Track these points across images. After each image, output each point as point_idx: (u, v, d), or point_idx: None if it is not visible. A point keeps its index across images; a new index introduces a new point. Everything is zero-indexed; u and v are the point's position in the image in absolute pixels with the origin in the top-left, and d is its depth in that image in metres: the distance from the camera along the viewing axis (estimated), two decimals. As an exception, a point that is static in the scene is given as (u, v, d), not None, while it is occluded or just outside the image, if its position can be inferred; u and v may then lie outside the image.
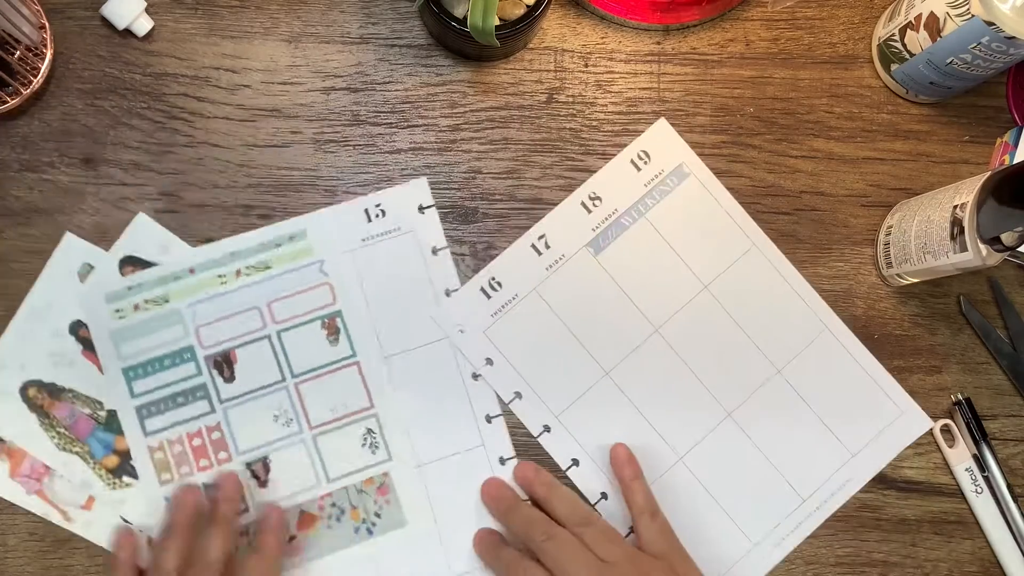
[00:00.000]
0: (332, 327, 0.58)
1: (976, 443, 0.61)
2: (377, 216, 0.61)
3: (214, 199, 0.60)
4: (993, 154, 0.65)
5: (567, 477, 0.60)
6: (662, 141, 0.63)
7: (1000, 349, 0.62)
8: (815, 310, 0.62)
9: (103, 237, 0.59)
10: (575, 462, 0.60)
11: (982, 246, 0.52)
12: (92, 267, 0.57)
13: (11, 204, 0.59)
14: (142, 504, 0.56)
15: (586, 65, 0.63)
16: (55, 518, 0.55)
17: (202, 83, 0.61)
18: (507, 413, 0.60)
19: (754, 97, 0.64)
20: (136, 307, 0.57)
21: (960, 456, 0.61)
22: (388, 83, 0.62)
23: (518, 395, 0.60)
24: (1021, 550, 0.60)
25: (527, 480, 0.58)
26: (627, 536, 0.58)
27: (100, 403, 0.56)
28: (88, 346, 0.57)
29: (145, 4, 0.60)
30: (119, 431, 0.56)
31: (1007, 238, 0.51)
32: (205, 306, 0.57)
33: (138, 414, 0.56)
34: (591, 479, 0.60)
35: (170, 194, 0.60)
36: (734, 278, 0.62)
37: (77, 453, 0.56)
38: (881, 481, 0.61)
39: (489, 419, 0.60)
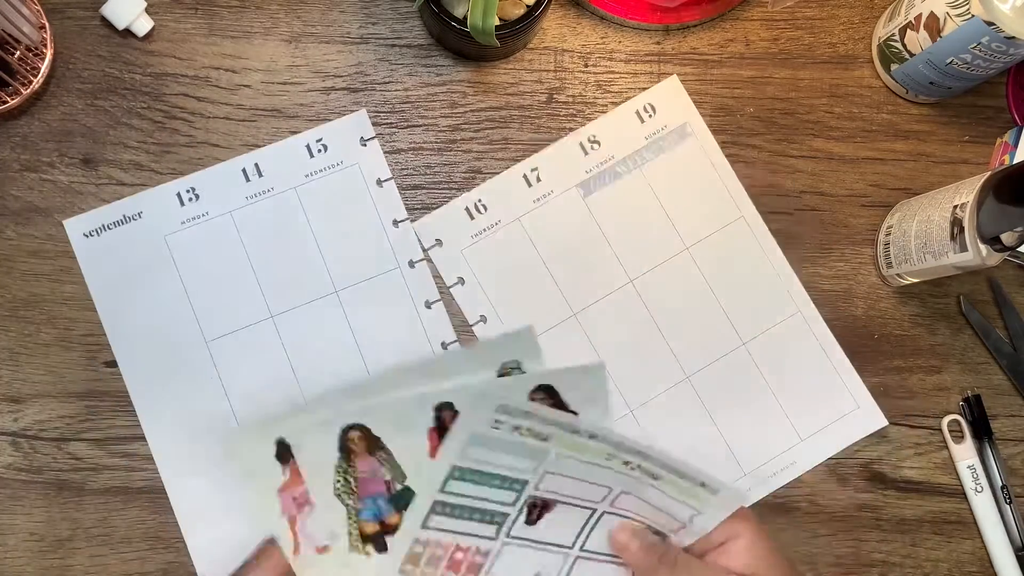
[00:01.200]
0: None
1: (980, 441, 0.61)
2: (319, 151, 0.61)
3: (214, 199, 0.60)
4: (993, 154, 0.65)
5: None
6: (671, 98, 0.63)
7: (1000, 349, 0.62)
8: (791, 292, 0.62)
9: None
10: None
11: (982, 246, 0.52)
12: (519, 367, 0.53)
13: (11, 204, 0.59)
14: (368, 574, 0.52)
15: (586, 65, 0.63)
16: (285, 544, 0.53)
17: (202, 83, 0.61)
18: (463, 340, 0.60)
19: (754, 97, 0.64)
20: (515, 429, 0.51)
21: (964, 453, 0.61)
22: (388, 83, 0.62)
23: (483, 319, 0.60)
24: (1014, 549, 0.60)
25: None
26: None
27: (405, 476, 0.52)
28: (439, 428, 0.52)
29: (145, 4, 0.60)
30: (399, 508, 0.52)
31: (1007, 238, 0.51)
32: (571, 462, 0.51)
33: (432, 507, 0.52)
34: None
35: (170, 194, 0.60)
36: (717, 245, 0.62)
37: (347, 505, 0.53)
38: (881, 481, 0.61)
39: (445, 346, 0.60)
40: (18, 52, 0.58)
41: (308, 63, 0.62)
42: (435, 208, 0.61)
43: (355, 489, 0.52)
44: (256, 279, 0.60)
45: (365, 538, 0.52)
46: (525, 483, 0.51)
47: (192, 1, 0.62)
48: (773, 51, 0.65)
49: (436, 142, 0.62)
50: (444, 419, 0.51)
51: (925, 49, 0.59)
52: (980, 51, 0.56)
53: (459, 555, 0.52)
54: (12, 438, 0.58)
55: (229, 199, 0.60)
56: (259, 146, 0.61)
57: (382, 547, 0.52)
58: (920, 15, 0.58)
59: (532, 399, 0.52)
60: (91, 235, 0.59)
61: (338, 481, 0.52)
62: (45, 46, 0.59)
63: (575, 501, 0.51)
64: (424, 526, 0.51)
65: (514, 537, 0.52)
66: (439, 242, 0.61)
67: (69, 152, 0.60)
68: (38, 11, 0.59)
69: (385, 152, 0.62)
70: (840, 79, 0.65)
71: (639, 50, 0.64)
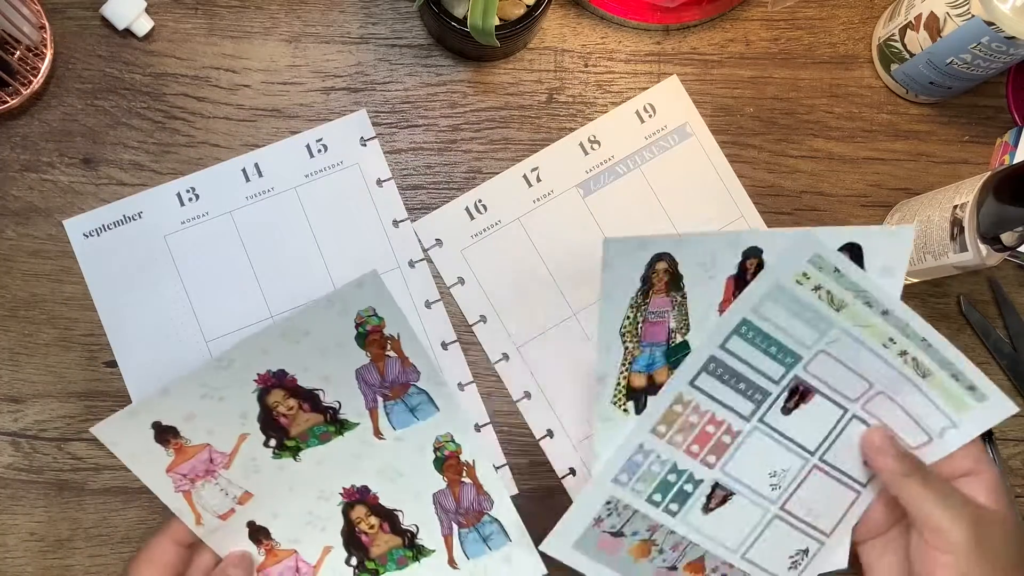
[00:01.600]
0: None
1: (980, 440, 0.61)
2: (319, 151, 0.61)
3: (214, 199, 0.60)
4: (993, 154, 0.65)
5: (516, 407, 0.60)
6: (671, 98, 0.64)
7: (1000, 349, 0.62)
8: None
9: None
10: (527, 394, 0.60)
11: (982, 246, 0.52)
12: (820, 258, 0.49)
13: (11, 204, 0.59)
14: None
15: (586, 65, 0.63)
16: (187, 518, 0.54)
17: (202, 83, 0.61)
18: (462, 341, 0.60)
19: (754, 97, 0.64)
20: (817, 289, 0.49)
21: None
22: (388, 83, 0.62)
23: (483, 319, 0.60)
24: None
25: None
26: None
27: (688, 328, 0.50)
28: (739, 277, 0.50)
29: (145, 4, 0.60)
30: (671, 364, 0.50)
31: (1007, 238, 0.51)
32: (848, 342, 0.50)
33: (705, 364, 0.50)
34: (541, 413, 0.60)
35: (170, 194, 0.60)
36: None
37: (626, 347, 0.50)
38: (881, 481, 0.61)
39: (445, 346, 0.60)
40: (18, 52, 0.58)
41: (308, 63, 0.62)
42: (435, 208, 0.61)
43: (639, 332, 0.50)
44: (256, 279, 0.60)
45: (629, 392, 0.51)
46: (798, 359, 0.50)
47: (192, 1, 0.62)
48: (773, 51, 0.65)
49: (436, 142, 0.62)
50: (747, 268, 0.50)
51: (925, 49, 0.59)
52: (980, 51, 0.56)
53: (710, 428, 0.51)
54: (12, 438, 0.58)
55: (229, 199, 0.60)
56: (259, 146, 0.61)
57: (641, 407, 0.51)
58: (920, 15, 0.58)
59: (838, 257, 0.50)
60: (91, 235, 0.59)
61: (627, 318, 0.50)
62: (45, 46, 0.59)
63: (833, 394, 0.51)
64: (692, 383, 0.50)
65: (766, 424, 0.51)
66: (439, 242, 0.61)
67: (69, 152, 0.60)
68: (38, 11, 0.59)
69: (385, 152, 0.62)
70: (840, 79, 0.65)
71: (639, 50, 0.64)
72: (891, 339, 0.49)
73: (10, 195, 0.59)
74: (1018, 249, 0.52)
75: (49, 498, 0.58)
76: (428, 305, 0.60)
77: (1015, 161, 0.62)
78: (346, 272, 0.60)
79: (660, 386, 0.50)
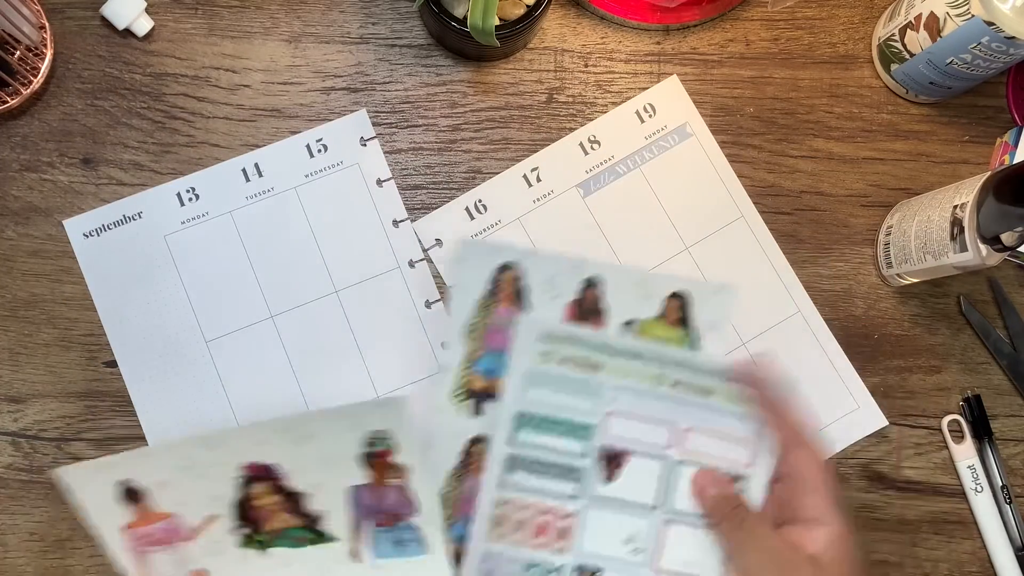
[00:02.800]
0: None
1: (980, 440, 0.61)
2: (319, 151, 0.61)
3: (214, 199, 0.60)
4: (993, 154, 0.65)
5: None
6: (671, 98, 0.64)
7: (1000, 349, 0.62)
8: (791, 292, 0.62)
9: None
10: None
11: (982, 246, 0.52)
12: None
13: (11, 204, 0.59)
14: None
15: (586, 65, 0.63)
16: None
17: (202, 83, 0.61)
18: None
19: (754, 97, 0.64)
20: (563, 361, 0.50)
21: (964, 453, 0.61)
22: (388, 83, 0.62)
23: None
24: (1014, 549, 0.60)
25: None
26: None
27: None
28: (580, 305, 0.52)
29: (145, 4, 0.60)
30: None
31: (1007, 238, 0.51)
32: (627, 397, 0.50)
33: (506, 464, 0.51)
34: None
35: (170, 194, 0.60)
36: (717, 245, 0.62)
37: (468, 348, 0.52)
38: (881, 481, 0.61)
39: (445, 346, 0.59)
40: (18, 52, 0.58)
41: (308, 63, 0.62)
42: (435, 208, 0.61)
43: (483, 336, 0.51)
44: (256, 279, 0.60)
45: (470, 392, 0.51)
46: (591, 428, 0.50)
47: (192, 1, 0.62)
48: (773, 51, 0.65)
49: (436, 142, 0.62)
50: (587, 297, 0.52)
51: (925, 49, 0.59)
52: (980, 51, 0.56)
53: (543, 518, 0.51)
54: (12, 438, 0.58)
55: (229, 199, 0.60)
56: (259, 146, 0.61)
57: (479, 410, 0.51)
58: (920, 15, 0.58)
59: (667, 304, 0.52)
60: (91, 235, 0.59)
61: (474, 318, 0.51)
62: (45, 46, 0.59)
63: (644, 448, 0.51)
64: (502, 486, 0.50)
65: (597, 497, 0.51)
66: (439, 242, 0.61)
67: (69, 152, 0.60)
68: (38, 11, 0.59)
69: (385, 152, 0.62)
70: (840, 79, 0.65)
71: (639, 50, 0.64)
72: (658, 376, 0.50)
73: (10, 195, 0.59)
74: (1018, 249, 0.52)
75: (49, 498, 0.58)
76: (428, 305, 0.60)
77: (1015, 161, 0.61)
78: (346, 272, 0.60)
79: (489, 394, 0.51)
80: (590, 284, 0.52)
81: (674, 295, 0.52)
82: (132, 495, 0.50)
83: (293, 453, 0.49)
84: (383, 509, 0.51)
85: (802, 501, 0.47)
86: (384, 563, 0.51)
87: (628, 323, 0.52)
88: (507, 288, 0.51)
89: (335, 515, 0.50)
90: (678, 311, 0.53)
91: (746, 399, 0.50)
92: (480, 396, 0.51)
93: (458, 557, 0.50)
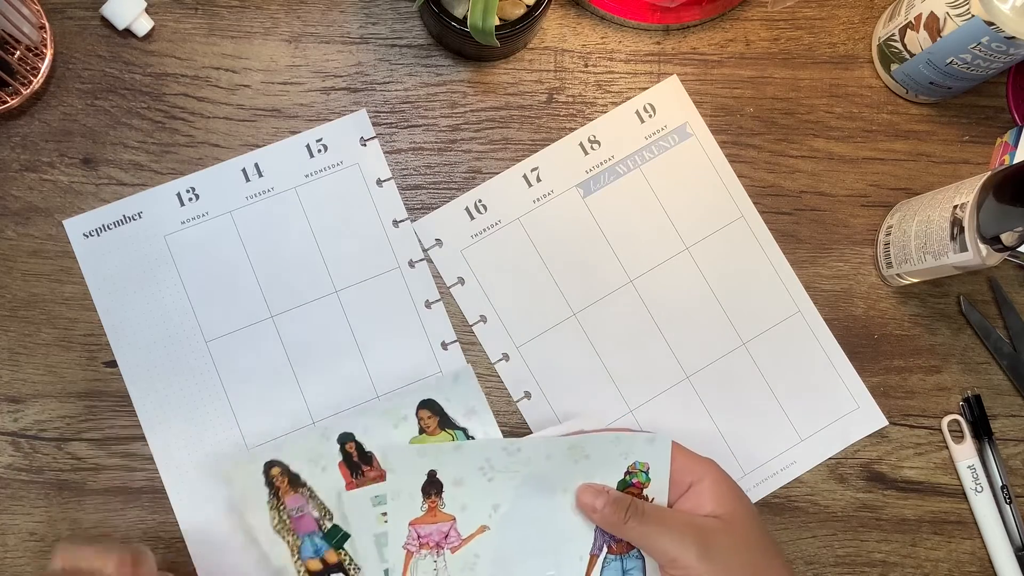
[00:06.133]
0: None
1: (980, 441, 0.61)
2: (319, 151, 0.61)
3: (214, 199, 0.60)
4: (993, 154, 0.65)
5: (516, 407, 0.60)
6: (670, 98, 0.64)
7: (1000, 349, 0.62)
8: (791, 292, 0.62)
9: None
10: (527, 394, 0.60)
11: (982, 246, 0.52)
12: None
13: (11, 204, 0.59)
14: None
15: (586, 65, 0.63)
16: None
17: (202, 83, 0.61)
18: (462, 340, 0.60)
19: (754, 97, 0.64)
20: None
21: (964, 453, 0.61)
22: (388, 83, 0.62)
23: (483, 319, 0.60)
24: (1014, 549, 0.60)
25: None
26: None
27: (331, 514, 0.56)
28: (347, 461, 0.57)
29: (145, 4, 0.60)
30: (336, 547, 0.55)
31: (1007, 238, 0.51)
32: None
33: (376, 541, 0.55)
34: (541, 413, 0.60)
35: (170, 194, 0.60)
36: (717, 245, 0.62)
37: (287, 542, 0.56)
38: (881, 481, 0.61)
39: (445, 346, 0.60)
40: (18, 52, 0.58)
41: (308, 63, 0.62)
42: (435, 208, 0.61)
43: (291, 526, 0.56)
44: (256, 279, 0.60)
45: (312, 575, 0.55)
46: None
47: (192, 1, 0.62)
48: (773, 51, 0.65)
49: (436, 142, 0.62)
50: (349, 451, 0.57)
51: (925, 49, 0.59)
52: (980, 51, 0.56)
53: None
54: (12, 438, 0.58)
55: (229, 199, 0.60)
56: (259, 146, 0.61)
57: None
58: (920, 15, 0.58)
59: (420, 416, 0.57)
60: (91, 235, 0.59)
61: (274, 518, 0.56)
62: (45, 46, 0.59)
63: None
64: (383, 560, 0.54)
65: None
66: (439, 242, 0.61)
67: (69, 152, 0.60)
68: (38, 11, 0.59)
69: (385, 152, 0.62)
70: (840, 79, 0.65)
71: (639, 50, 0.64)
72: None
73: (10, 195, 0.59)
74: (1018, 249, 0.52)
75: (49, 498, 0.58)
76: (428, 305, 0.60)
77: (1015, 161, 0.61)
78: (346, 272, 0.60)
79: (335, 565, 0.55)
80: (343, 440, 0.57)
81: (421, 406, 0.57)
82: (433, 487, 0.53)
83: (571, 471, 0.52)
84: (620, 538, 0.53)
85: (673, 476, 0.52)
86: None
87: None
88: (281, 481, 0.56)
89: (578, 536, 0.53)
90: (431, 419, 0.58)
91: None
92: (327, 572, 0.55)
93: None
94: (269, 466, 0.56)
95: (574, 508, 0.53)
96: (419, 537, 0.53)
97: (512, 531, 0.53)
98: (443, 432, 0.58)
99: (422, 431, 0.57)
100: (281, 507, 0.56)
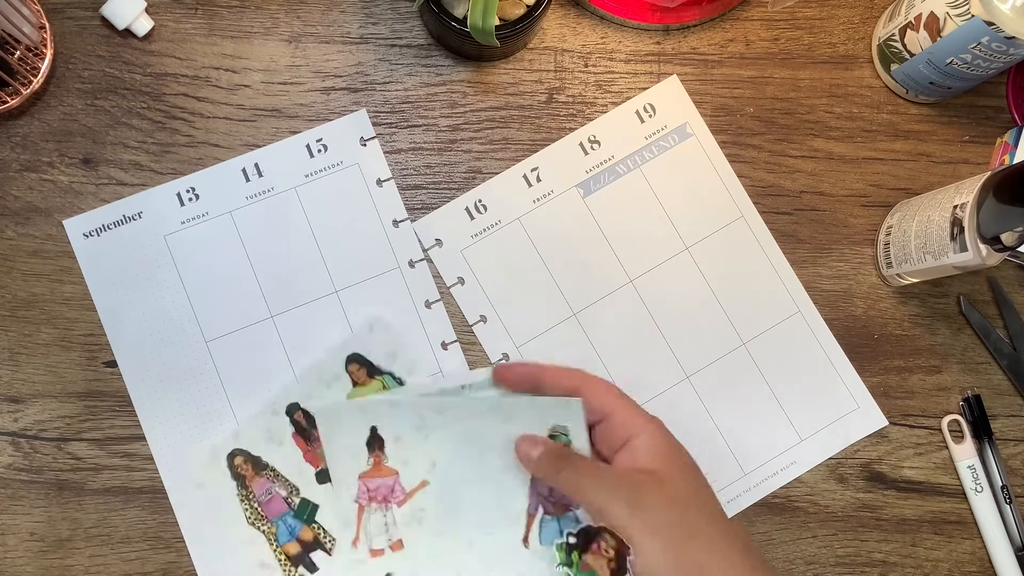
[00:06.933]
0: None
1: (980, 440, 0.61)
2: (319, 151, 0.61)
3: (214, 199, 0.60)
4: (993, 154, 0.65)
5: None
6: (671, 98, 0.64)
7: (1000, 349, 0.62)
8: (791, 292, 0.62)
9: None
10: None
11: (982, 246, 0.52)
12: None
13: (11, 204, 0.59)
14: None
15: (586, 65, 0.63)
16: (347, 537, 0.56)
17: (202, 83, 0.61)
18: (462, 340, 0.60)
19: (754, 97, 0.64)
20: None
21: (964, 453, 0.61)
22: (388, 83, 0.62)
23: (483, 319, 0.60)
24: (1014, 549, 0.60)
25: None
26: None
27: (297, 489, 0.57)
28: (299, 430, 0.58)
29: (145, 4, 0.60)
30: (307, 521, 0.56)
31: (1007, 238, 0.51)
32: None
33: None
34: None
35: (170, 194, 0.60)
36: (717, 245, 0.62)
37: (263, 532, 0.56)
38: (881, 481, 0.61)
39: (445, 346, 0.60)
40: (18, 52, 0.58)
41: (308, 63, 0.62)
42: (435, 208, 0.61)
43: (263, 513, 0.57)
44: (256, 279, 0.60)
45: (292, 559, 0.56)
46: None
47: (192, 1, 0.62)
48: (773, 51, 0.65)
49: (436, 142, 0.62)
50: (298, 419, 0.57)
51: (925, 49, 0.59)
52: (980, 51, 0.56)
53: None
54: (12, 438, 0.58)
55: (229, 199, 0.60)
56: (259, 146, 0.61)
57: (312, 567, 0.56)
58: (920, 15, 0.58)
59: (350, 371, 0.58)
60: (91, 235, 0.59)
61: (245, 510, 0.57)
62: (45, 46, 0.59)
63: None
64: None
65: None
66: (439, 242, 0.61)
67: (69, 152, 0.60)
68: (38, 11, 0.59)
69: (385, 152, 0.62)
70: (840, 79, 0.65)
71: (639, 50, 0.64)
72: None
73: (10, 195, 0.59)
74: (1018, 249, 0.52)
75: (49, 498, 0.58)
76: (428, 305, 0.60)
77: (1015, 161, 0.61)
78: (346, 272, 0.60)
79: (312, 542, 0.56)
80: (291, 411, 0.58)
81: (348, 361, 0.59)
82: (375, 442, 0.53)
83: (501, 432, 0.52)
84: (556, 496, 0.53)
85: (612, 427, 0.50)
86: (545, 549, 0.54)
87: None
88: (246, 468, 0.57)
89: (513, 497, 0.53)
90: (360, 370, 0.58)
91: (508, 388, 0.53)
92: (302, 556, 0.57)
93: None
94: (232, 456, 0.57)
95: (507, 468, 0.53)
96: (368, 491, 0.54)
97: (452, 488, 0.54)
98: (373, 380, 0.58)
99: (355, 383, 0.58)
100: (251, 496, 0.57)
